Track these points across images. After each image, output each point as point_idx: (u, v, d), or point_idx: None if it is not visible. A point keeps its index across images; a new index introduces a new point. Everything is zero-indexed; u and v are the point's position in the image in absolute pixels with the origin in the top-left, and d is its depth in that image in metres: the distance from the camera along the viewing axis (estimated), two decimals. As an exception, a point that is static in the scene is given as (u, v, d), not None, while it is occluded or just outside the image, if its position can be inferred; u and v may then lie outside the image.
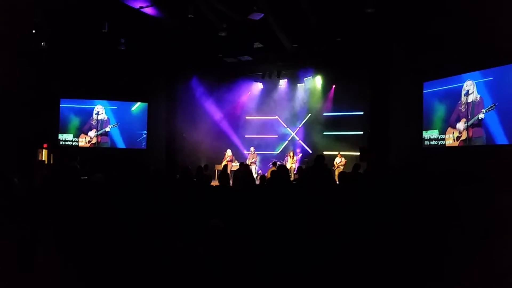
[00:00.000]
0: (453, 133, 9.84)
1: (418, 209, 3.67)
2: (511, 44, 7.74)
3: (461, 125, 9.60)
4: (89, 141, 14.41)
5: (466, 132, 9.45)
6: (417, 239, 3.17)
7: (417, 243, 3.14)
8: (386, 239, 3.32)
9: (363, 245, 3.35)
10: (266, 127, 16.05)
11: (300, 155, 14.85)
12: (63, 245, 2.75)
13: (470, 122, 9.33)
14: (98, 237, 2.92)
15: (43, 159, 13.06)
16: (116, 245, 2.99)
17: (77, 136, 14.34)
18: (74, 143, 14.30)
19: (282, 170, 6.31)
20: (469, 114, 9.41)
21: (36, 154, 13.05)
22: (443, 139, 10.11)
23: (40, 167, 10.48)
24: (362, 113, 13.51)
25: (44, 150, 13.33)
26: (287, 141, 15.87)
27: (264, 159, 15.31)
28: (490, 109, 8.82)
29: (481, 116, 9.04)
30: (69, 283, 2.70)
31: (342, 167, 12.77)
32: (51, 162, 13.17)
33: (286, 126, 15.81)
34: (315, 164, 6.78)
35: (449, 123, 9.97)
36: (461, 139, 9.62)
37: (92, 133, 14.45)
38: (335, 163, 13.10)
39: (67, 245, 2.75)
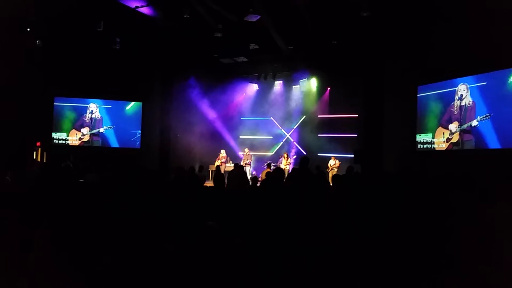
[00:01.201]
0: (443, 133, 9.89)
1: (412, 213, 3.69)
2: (505, 50, 7.82)
3: (453, 127, 9.66)
4: (80, 138, 14.33)
5: (458, 135, 9.51)
6: (411, 243, 3.19)
7: (411, 247, 3.15)
8: (379, 241, 3.33)
9: (356, 247, 3.36)
10: (260, 128, 16.03)
11: (295, 156, 14.87)
12: (57, 245, 2.73)
13: (463, 127, 9.39)
14: (92, 238, 2.91)
15: (35, 157, 12.97)
16: (109, 246, 2.97)
17: (70, 134, 14.29)
18: (67, 142, 14.25)
19: (278, 173, 6.29)
20: (461, 118, 9.47)
21: (33, 152, 12.98)
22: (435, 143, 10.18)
23: (31, 165, 10.40)
24: (357, 115, 13.56)
25: (38, 148, 13.25)
26: (281, 142, 15.87)
27: (258, 160, 15.31)
28: (484, 118, 8.86)
29: (474, 123, 9.08)
30: (63, 283, 2.69)
31: (336, 170, 12.80)
32: (44, 160, 13.08)
33: (280, 127, 15.81)
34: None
35: (440, 123, 10.02)
36: (451, 141, 9.67)
37: (84, 130, 14.39)
38: (329, 165, 13.14)
39: (60, 245, 2.73)
